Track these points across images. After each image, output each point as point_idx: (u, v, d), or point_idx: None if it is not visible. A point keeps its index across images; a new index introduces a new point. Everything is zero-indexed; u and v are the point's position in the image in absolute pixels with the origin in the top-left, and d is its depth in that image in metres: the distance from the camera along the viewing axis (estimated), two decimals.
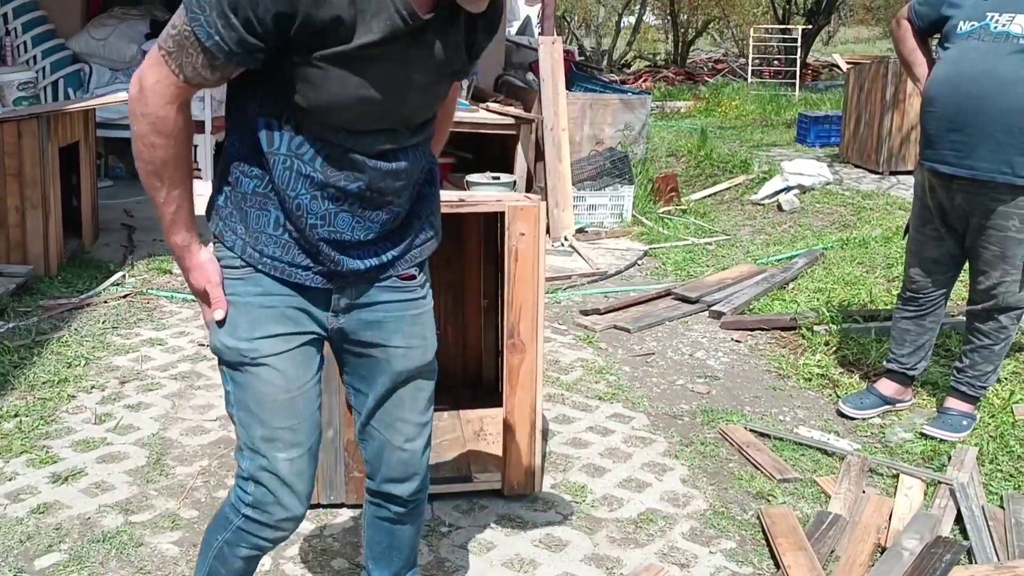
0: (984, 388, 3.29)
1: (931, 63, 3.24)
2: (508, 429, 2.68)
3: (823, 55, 21.11)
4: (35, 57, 6.98)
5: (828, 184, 7.13)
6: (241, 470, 1.69)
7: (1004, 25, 2.96)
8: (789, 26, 16.50)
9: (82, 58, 7.23)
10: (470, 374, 3.42)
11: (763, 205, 6.99)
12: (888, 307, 4.38)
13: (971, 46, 3.03)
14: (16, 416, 3.20)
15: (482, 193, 2.86)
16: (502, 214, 2.55)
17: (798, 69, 15.02)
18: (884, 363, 3.56)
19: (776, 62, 16.76)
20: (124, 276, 4.89)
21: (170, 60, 1.45)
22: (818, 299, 4.70)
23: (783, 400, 3.63)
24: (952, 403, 3.32)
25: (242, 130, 1.61)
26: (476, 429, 3.07)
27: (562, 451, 3.12)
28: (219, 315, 1.64)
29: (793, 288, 4.98)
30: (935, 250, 3.29)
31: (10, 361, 3.65)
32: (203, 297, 1.68)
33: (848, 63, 14.63)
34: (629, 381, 3.78)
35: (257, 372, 1.63)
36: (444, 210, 2.58)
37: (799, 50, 15.43)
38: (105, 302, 4.47)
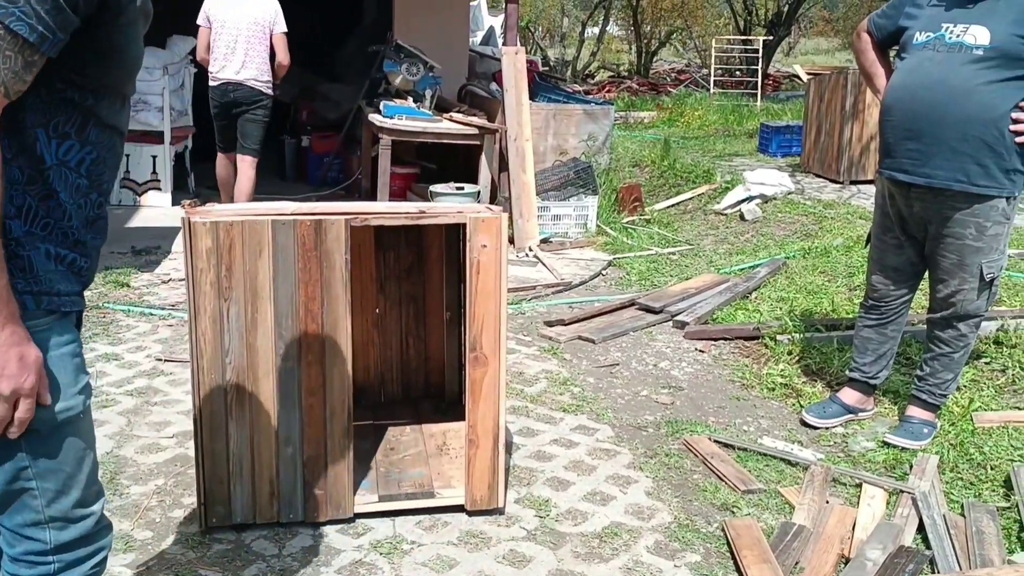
0: (944, 396, 3.32)
1: (890, 74, 3.26)
2: (471, 443, 2.65)
3: (784, 66, 21.36)
4: None
5: (790, 194, 7.19)
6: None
7: (958, 36, 3.00)
8: (750, 37, 16.67)
9: None
10: (433, 387, 3.38)
11: (726, 215, 7.02)
12: (850, 316, 4.41)
13: (927, 56, 3.06)
14: None
15: (443, 205, 2.83)
16: (464, 225, 2.52)
17: (759, 80, 15.17)
18: (847, 372, 3.58)
19: (738, 73, 16.92)
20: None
21: None
22: (781, 308, 4.72)
23: (747, 410, 3.63)
24: (913, 411, 3.34)
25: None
26: (439, 443, 3.03)
27: (526, 464, 3.09)
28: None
29: (756, 297, 4.99)
30: (896, 258, 3.31)
31: None
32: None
33: (808, 74, 14.79)
34: (594, 392, 3.76)
35: (83, 423, 1.47)
36: (404, 222, 2.56)
37: (760, 61, 15.60)
38: None
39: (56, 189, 1.38)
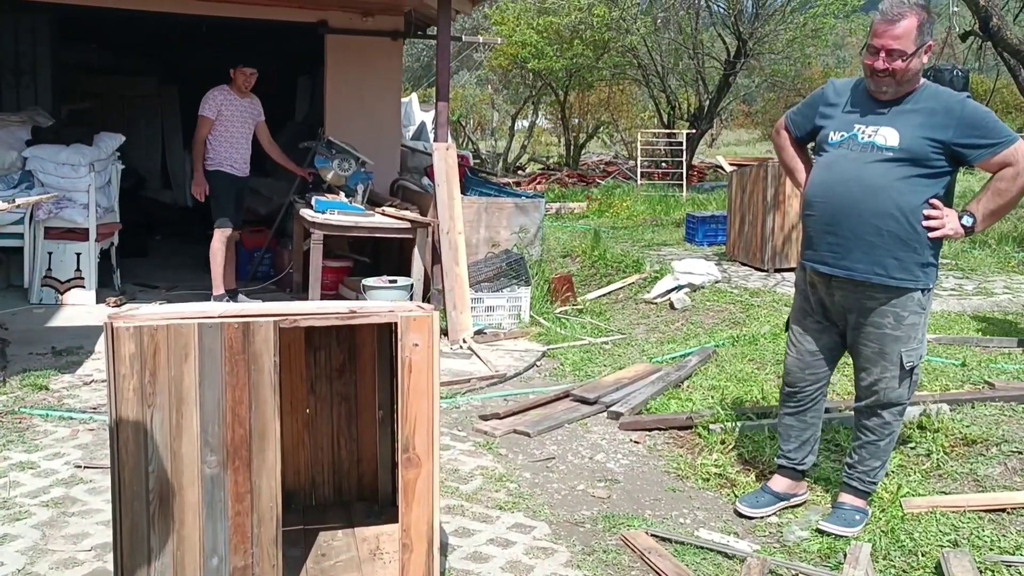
0: (874, 483, 3.38)
1: (810, 168, 3.41)
2: (405, 548, 2.58)
3: (708, 156, 22.10)
4: None
5: (717, 282, 7.35)
6: None
7: (869, 136, 3.15)
8: (674, 131, 17.25)
9: None
10: (365, 488, 3.30)
11: (656, 303, 7.14)
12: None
13: (841, 154, 3.21)
14: None
15: (374, 304, 2.81)
16: (395, 324, 2.51)
17: (684, 171, 15.65)
18: (775, 460, 3.62)
19: (664, 164, 17.44)
20: None
21: None
22: (712, 397, 4.77)
23: (683, 501, 3.63)
24: (845, 498, 3.39)
25: None
26: (372, 548, 2.94)
27: (462, 567, 3.02)
28: None
29: (688, 386, 5.04)
30: (814, 343, 3.40)
31: None
32: None
33: (731, 164, 15.33)
34: (530, 488, 3.72)
35: None
36: (335, 322, 2.54)
37: (684, 153, 16.12)
38: None
39: None
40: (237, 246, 8.39)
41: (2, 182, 6.93)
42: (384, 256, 7.47)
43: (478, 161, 18.92)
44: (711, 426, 4.30)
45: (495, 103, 25.42)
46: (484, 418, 4.58)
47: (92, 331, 5.86)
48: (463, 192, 7.10)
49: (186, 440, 2.37)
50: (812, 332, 3.41)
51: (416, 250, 6.51)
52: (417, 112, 11.94)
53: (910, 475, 3.71)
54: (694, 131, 17.28)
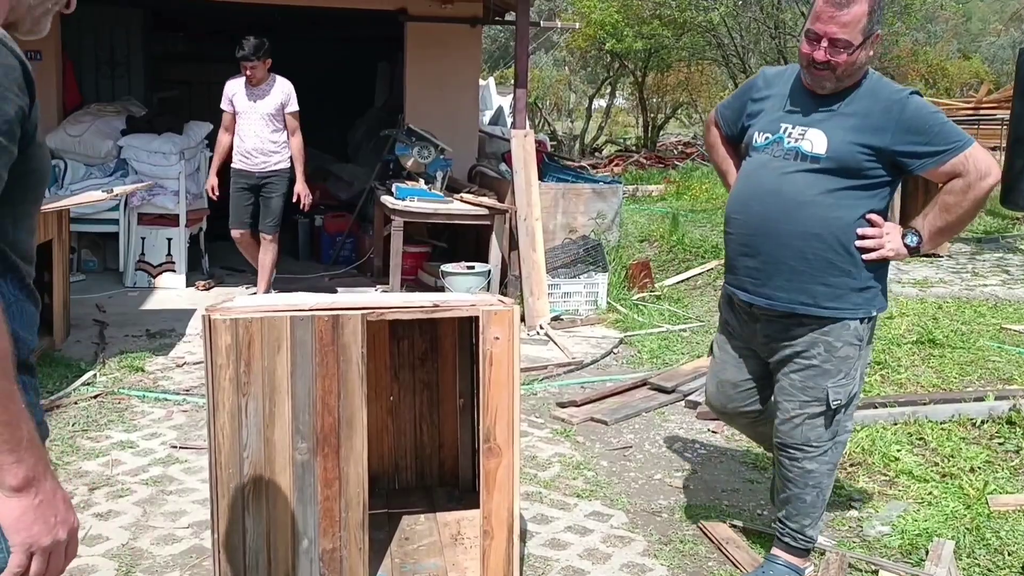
0: (809, 541, 2.88)
1: None
2: (486, 535, 2.65)
3: None
4: None
5: None
6: None
7: (796, 140, 2.65)
8: None
9: (57, 154, 7.27)
10: (447, 473, 3.39)
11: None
12: (866, 393, 4.41)
13: (763, 161, 2.71)
14: None
15: (456, 297, 2.88)
16: (477, 318, 2.57)
17: None
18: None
19: None
20: (95, 375, 4.83)
21: None
22: None
23: (761, 493, 3.62)
24: (778, 552, 2.90)
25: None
26: (453, 532, 3.03)
27: (540, 553, 3.09)
28: None
29: None
30: (736, 372, 2.94)
31: None
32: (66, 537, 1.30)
33: None
34: (607, 476, 3.76)
35: None
36: (419, 315, 2.61)
37: None
38: (75, 403, 4.41)
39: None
40: (319, 230, 8.62)
41: (99, 170, 7.24)
42: (462, 241, 7.56)
43: (555, 144, 18.90)
44: None
45: (572, 84, 25.32)
46: (562, 405, 4.63)
47: (183, 314, 6.09)
48: (540, 178, 7.13)
49: (278, 427, 2.48)
50: (733, 360, 2.93)
51: (494, 236, 6.58)
52: (494, 96, 11.99)
53: (997, 472, 3.64)
54: None
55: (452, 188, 7.15)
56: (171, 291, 7.04)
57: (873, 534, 3.25)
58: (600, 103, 24.11)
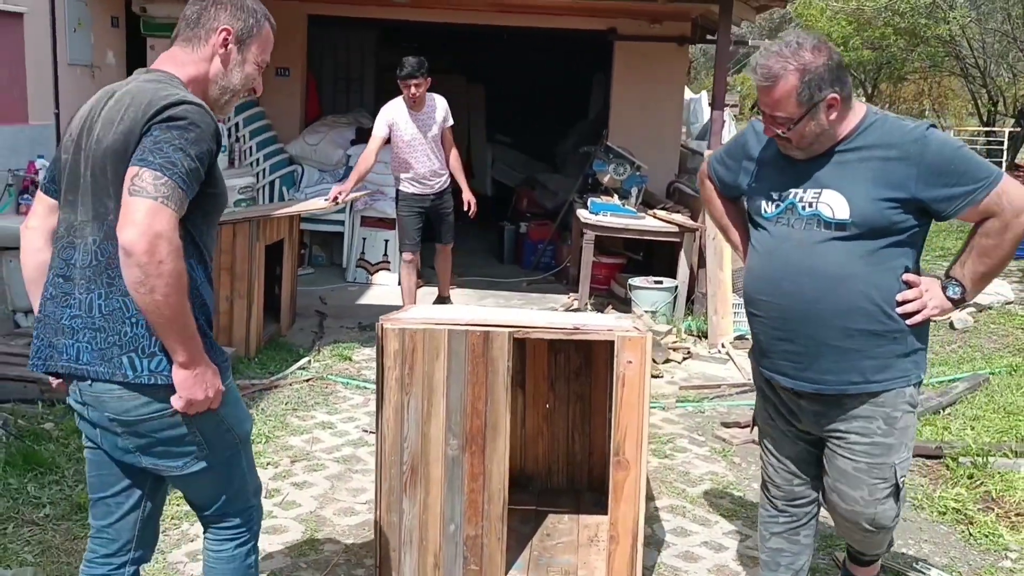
0: None
1: (746, 232, 2.71)
2: (612, 539, 2.91)
3: None
4: (258, 160, 7.99)
5: (1008, 303, 6.86)
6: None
7: (811, 205, 2.42)
8: (993, 128, 15.79)
9: (297, 160, 8.19)
10: (595, 479, 3.66)
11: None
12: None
13: (782, 233, 2.48)
14: None
15: (598, 320, 3.15)
16: (612, 343, 2.83)
17: (1004, 171, 14.30)
18: None
19: None
20: (310, 361, 5.50)
21: (168, 203, 1.87)
22: (972, 428, 4.59)
23: (910, 532, 3.61)
24: None
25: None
26: (591, 534, 3.30)
27: (672, 563, 3.29)
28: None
29: (948, 413, 4.87)
30: (792, 447, 2.71)
31: None
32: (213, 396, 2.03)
33: None
34: (755, 498, 3.88)
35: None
36: (560, 336, 2.91)
37: (1005, 152, 14.72)
38: (290, 384, 5.07)
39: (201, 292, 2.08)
40: (523, 237, 9.10)
41: (331, 175, 8.08)
42: (656, 254, 7.75)
43: None
44: (961, 458, 4.18)
45: None
46: (726, 425, 4.75)
47: (392, 310, 6.70)
48: None
49: (434, 425, 2.86)
50: (782, 439, 2.70)
51: (683, 253, 6.74)
52: (706, 110, 12.00)
53: None
54: (1020, 128, 15.69)
55: (648, 203, 7.37)
56: (385, 287, 7.74)
57: None
58: None
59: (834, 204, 2.38)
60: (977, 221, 2.40)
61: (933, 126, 2.42)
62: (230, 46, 2.12)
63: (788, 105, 2.33)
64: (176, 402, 1.98)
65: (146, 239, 1.82)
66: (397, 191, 6.39)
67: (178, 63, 2.10)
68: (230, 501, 2.21)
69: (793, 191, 2.45)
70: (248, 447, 2.25)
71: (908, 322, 2.41)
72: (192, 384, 1.96)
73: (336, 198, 6.02)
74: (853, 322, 2.39)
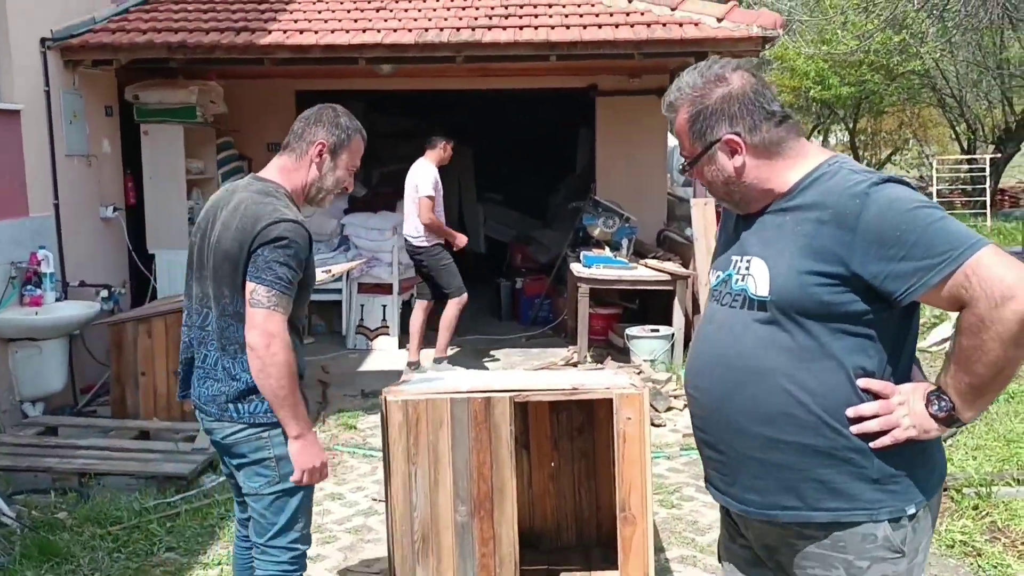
0: None
1: None
2: None
3: None
4: None
5: None
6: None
7: (742, 278, 1.85)
8: (975, 155, 16.05)
9: None
10: (604, 534, 3.69)
11: (930, 353, 6.88)
12: None
13: (710, 312, 1.96)
14: (219, 564, 3.78)
15: (595, 379, 3.23)
16: (611, 400, 2.91)
17: (988, 197, 14.52)
18: None
19: (965, 189, 16.27)
20: (315, 431, 5.54)
21: (278, 309, 2.43)
22: (974, 458, 4.64)
23: None
24: None
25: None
26: None
27: None
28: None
29: (950, 444, 4.92)
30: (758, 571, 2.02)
31: (218, 513, 4.29)
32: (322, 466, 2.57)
33: None
34: None
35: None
36: (560, 397, 2.98)
37: (988, 178, 14.93)
38: None
39: None
40: (519, 292, 9.21)
41: (326, 245, 8.21)
42: (652, 303, 7.85)
43: None
44: (964, 489, 4.22)
45: None
46: None
47: (393, 375, 6.76)
48: None
49: (442, 492, 2.92)
50: (742, 564, 2.04)
51: (676, 301, 6.84)
52: None
53: None
54: (1000, 154, 15.94)
55: (639, 253, 7.49)
56: (385, 352, 7.82)
57: None
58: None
59: (758, 277, 1.81)
60: (947, 308, 1.74)
61: (892, 179, 1.76)
62: (324, 155, 2.62)
63: (684, 140, 1.90)
64: (295, 475, 2.48)
65: (264, 339, 2.39)
66: (438, 245, 6.72)
67: (285, 173, 2.62)
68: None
69: (734, 258, 1.90)
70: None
71: (872, 445, 1.73)
72: (306, 455, 2.49)
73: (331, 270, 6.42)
74: (778, 431, 1.77)
